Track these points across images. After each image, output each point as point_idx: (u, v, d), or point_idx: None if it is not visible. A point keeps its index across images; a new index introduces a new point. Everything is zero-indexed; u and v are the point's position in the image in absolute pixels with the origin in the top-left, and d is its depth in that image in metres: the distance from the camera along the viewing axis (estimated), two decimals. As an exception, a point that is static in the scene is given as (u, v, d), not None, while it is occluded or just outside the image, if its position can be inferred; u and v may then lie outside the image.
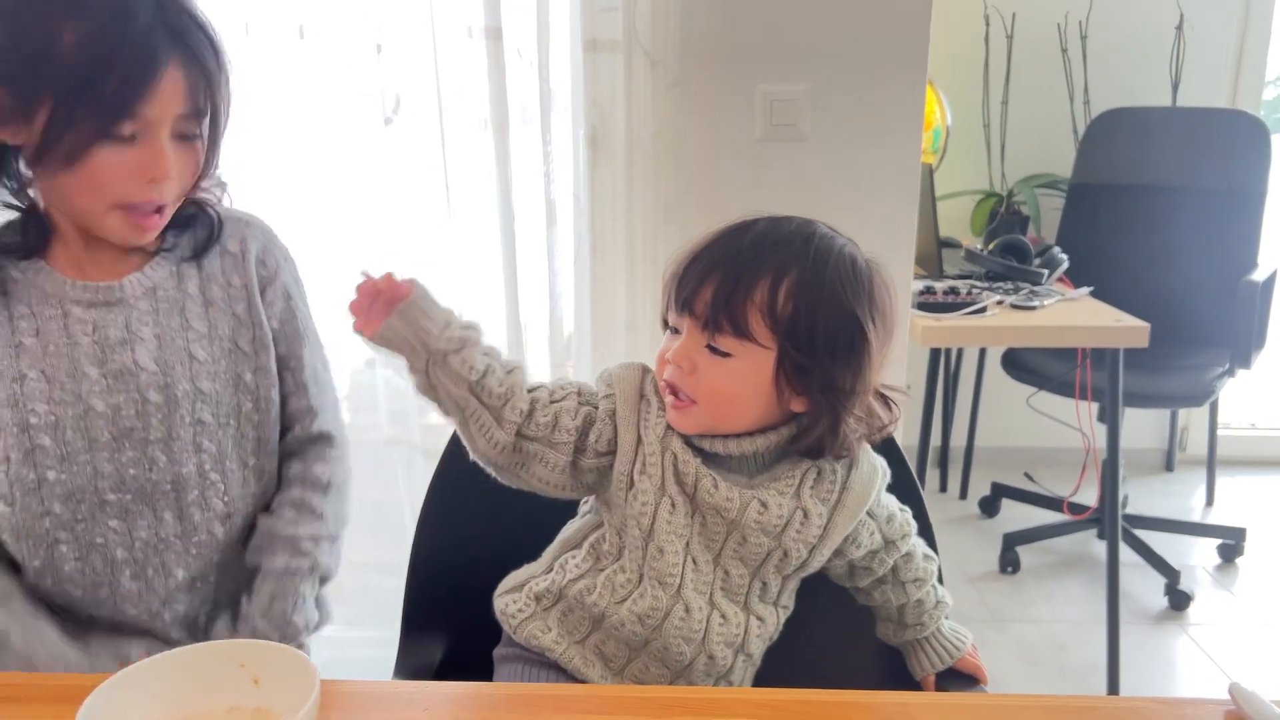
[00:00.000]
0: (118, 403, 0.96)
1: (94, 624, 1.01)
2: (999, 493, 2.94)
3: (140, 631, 1.01)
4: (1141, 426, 3.24)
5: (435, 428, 1.95)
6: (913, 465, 1.10)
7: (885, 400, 0.94)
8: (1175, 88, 2.98)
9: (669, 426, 0.90)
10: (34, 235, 0.96)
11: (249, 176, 1.74)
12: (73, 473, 0.95)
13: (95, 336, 0.95)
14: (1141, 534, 2.59)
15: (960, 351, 3.02)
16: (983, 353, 3.04)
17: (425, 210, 1.78)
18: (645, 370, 0.95)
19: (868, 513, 0.94)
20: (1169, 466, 3.30)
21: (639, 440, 0.89)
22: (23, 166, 0.93)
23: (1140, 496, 3.02)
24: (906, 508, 1.01)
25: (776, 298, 0.85)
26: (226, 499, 1.02)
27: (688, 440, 0.90)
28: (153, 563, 0.99)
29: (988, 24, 2.98)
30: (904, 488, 1.03)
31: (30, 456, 0.94)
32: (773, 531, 0.89)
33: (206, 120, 0.94)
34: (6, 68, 0.86)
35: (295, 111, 1.72)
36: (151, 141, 0.90)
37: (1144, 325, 1.90)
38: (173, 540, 0.99)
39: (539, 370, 1.87)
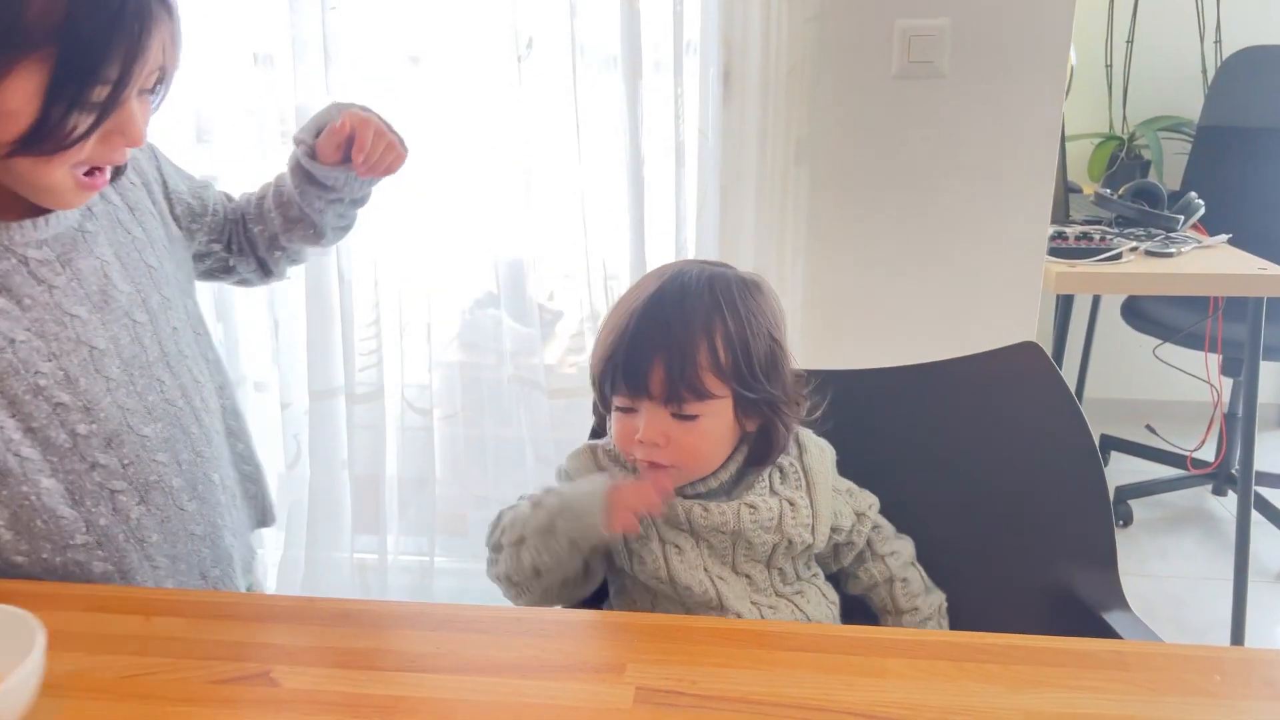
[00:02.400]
0: (115, 334, 0.90)
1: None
2: (1106, 445, 2.87)
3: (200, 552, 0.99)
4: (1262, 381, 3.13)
5: (555, 369, 1.97)
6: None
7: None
8: (1317, 25, 2.82)
9: None
10: None
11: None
12: (102, 420, 0.89)
13: (67, 274, 0.88)
14: (1262, 490, 2.51)
15: (1071, 300, 2.94)
16: (1096, 302, 2.96)
17: (556, 149, 1.77)
18: (590, 450, 1.01)
19: (833, 488, 1.01)
20: (1289, 423, 3.18)
21: None
22: None
23: (1260, 453, 2.92)
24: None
25: (717, 353, 0.91)
26: (212, 389, 1.02)
27: None
28: (200, 478, 0.97)
29: (1115, -43, 2.84)
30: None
31: (54, 417, 0.87)
32: (770, 526, 0.95)
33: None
34: None
35: (429, 50, 1.72)
36: (123, 105, 0.83)
37: (1290, 274, 1.82)
38: (203, 448, 0.97)
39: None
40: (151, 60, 0.81)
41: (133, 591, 0.88)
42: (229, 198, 1.12)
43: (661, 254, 1.83)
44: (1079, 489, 1.03)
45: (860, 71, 1.74)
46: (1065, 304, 2.94)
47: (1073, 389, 3.07)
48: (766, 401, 0.93)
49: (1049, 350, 2.59)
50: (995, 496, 1.08)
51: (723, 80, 1.71)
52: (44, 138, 0.79)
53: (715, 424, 0.92)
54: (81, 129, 0.80)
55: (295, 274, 1.84)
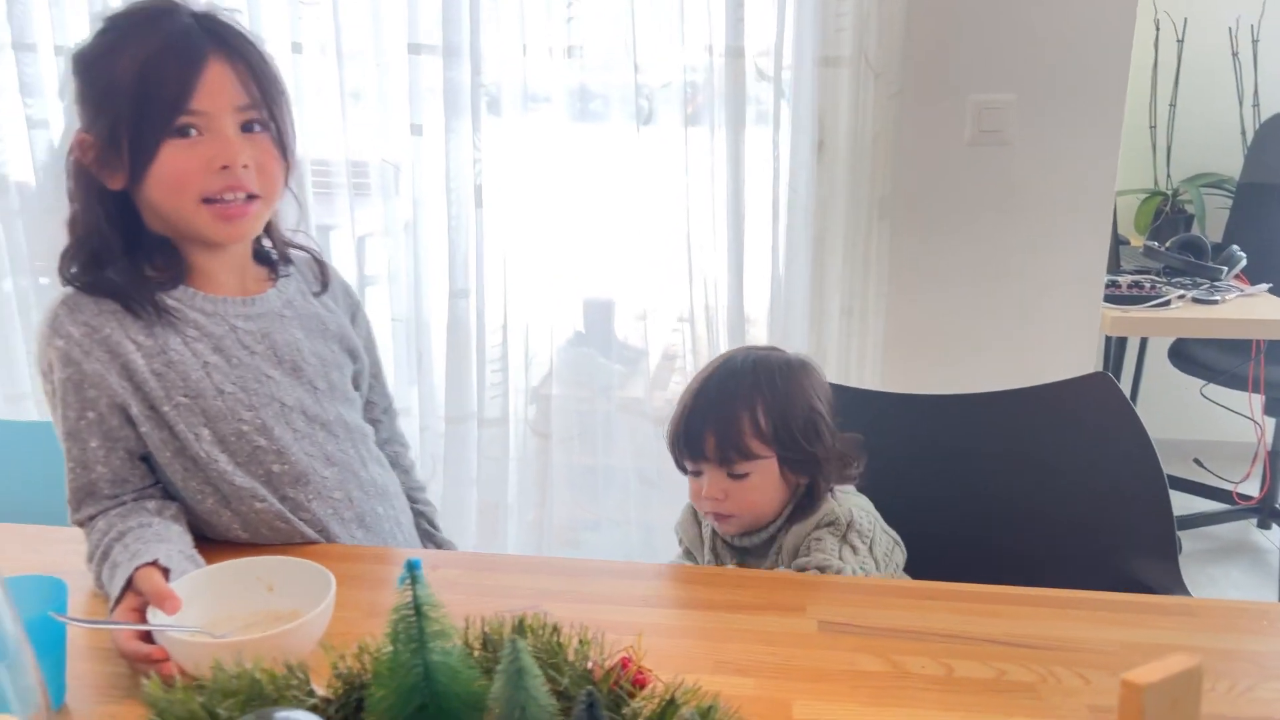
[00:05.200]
0: (300, 396, 1.07)
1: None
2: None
3: None
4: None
5: (659, 398, 2.20)
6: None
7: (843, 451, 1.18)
8: (1349, 90, 3.03)
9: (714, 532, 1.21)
10: (171, 263, 1.03)
11: (520, 176, 2.03)
12: (292, 463, 1.05)
13: (266, 343, 1.06)
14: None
15: (1123, 343, 3.13)
16: (1144, 345, 3.15)
17: (667, 206, 2.02)
18: (689, 507, 1.26)
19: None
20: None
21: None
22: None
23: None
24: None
25: (758, 422, 1.12)
26: (375, 442, 1.21)
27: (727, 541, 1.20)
28: (368, 512, 1.12)
29: (1158, 28, 3.07)
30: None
31: (254, 457, 1.03)
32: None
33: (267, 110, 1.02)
34: (93, 114, 0.99)
35: (562, 119, 1.99)
36: (216, 133, 0.97)
37: (1328, 320, 2.02)
38: (369, 488, 1.14)
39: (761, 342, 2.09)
40: (219, 91, 0.97)
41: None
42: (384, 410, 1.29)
43: (760, 296, 2.07)
44: (1143, 500, 1.24)
45: (936, 139, 1.98)
46: (1116, 347, 3.13)
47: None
48: (808, 460, 1.14)
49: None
50: (1066, 505, 1.28)
51: (816, 147, 1.96)
52: (142, 161, 0.96)
53: (765, 480, 1.13)
54: (164, 151, 0.96)
55: (437, 312, 2.11)
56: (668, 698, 0.59)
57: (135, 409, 0.99)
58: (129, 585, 0.85)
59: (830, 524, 1.13)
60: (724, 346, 2.09)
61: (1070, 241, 2.01)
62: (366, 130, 2.06)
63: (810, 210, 1.99)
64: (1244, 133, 3.07)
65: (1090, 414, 1.28)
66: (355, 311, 1.21)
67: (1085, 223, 2.00)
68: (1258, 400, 2.62)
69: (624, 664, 0.63)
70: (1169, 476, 3.09)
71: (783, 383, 1.15)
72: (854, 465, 1.18)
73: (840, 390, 1.40)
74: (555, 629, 0.64)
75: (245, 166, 0.99)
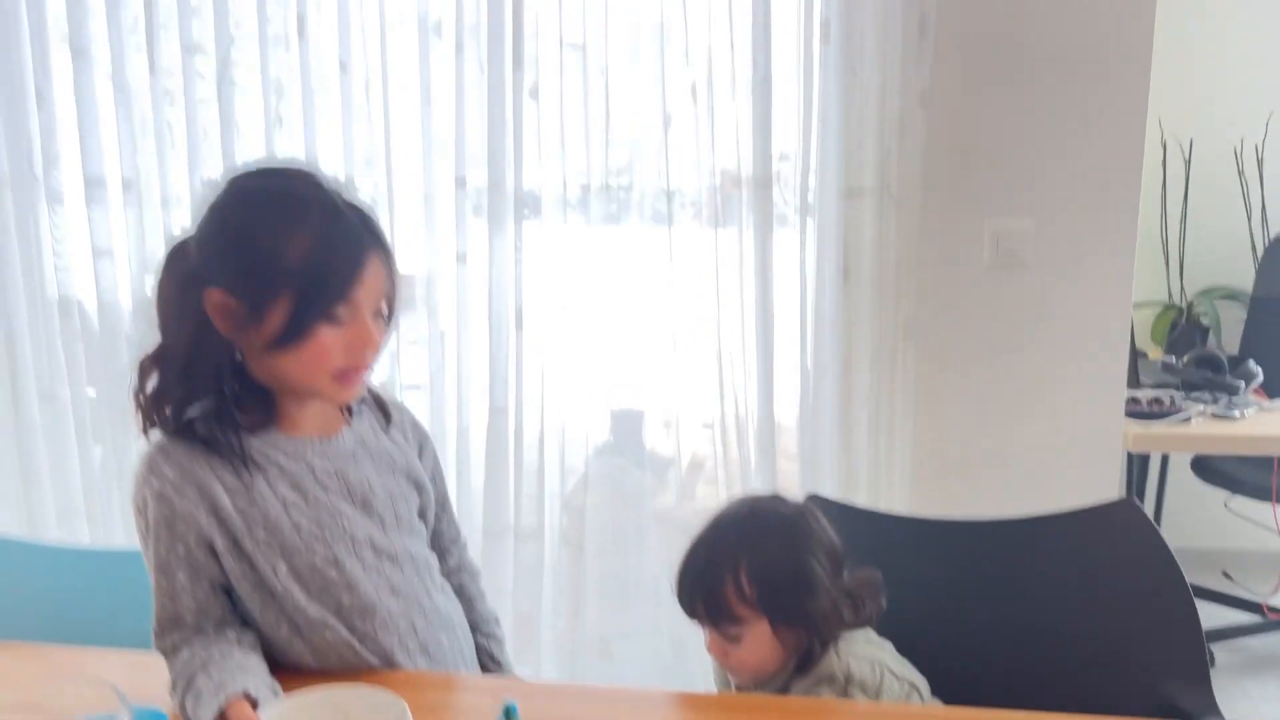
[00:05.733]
0: (370, 531, 1.14)
1: None
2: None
3: None
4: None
5: (689, 509, 2.25)
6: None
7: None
8: (1355, 207, 3.13)
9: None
10: (264, 410, 1.11)
11: (557, 287, 2.13)
12: (361, 594, 1.11)
13: (340, 480, 1.13)
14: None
15: (1146, 456, 3.16)
16: (1165, 457, 3.18)
17: (697, 312, 2.13)
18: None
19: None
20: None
21: None
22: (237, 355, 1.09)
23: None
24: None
25: (741, 587, 1.13)
26: (440, 573, 1.26)
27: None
28: (431, 641, 1.18)
29: (1165, 149, 3.19)
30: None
31: (325, 589, 1.10)
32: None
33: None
34: (245, 281, 1.04)
35: (595, 223, 2.11)
36: (360, 320, 1.07)
37: (1348, 436, 2.06)
38: (433, 618, 1.19)
39: (793, 476, 2.16)
40: (373, 285, 1.07)
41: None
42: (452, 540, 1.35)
43: (789, 410, 2.14)
44: (1173, 624, 1.27)
45: (957, 263, 2.07)
46: (1139, 458, 3.16)
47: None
48: (802, 618, 1.13)
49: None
50: (1096, 632, 1.30)
51: (842, 271, 2.05)
52: (295, 340, 1.05)
53: (758, 642, 1.14)
54: (320, 333, 1.05)
55: (477, 424, 2.19)
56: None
57: (220, 544, 1.06)
58: (221, 717, 0.90)
59: (829, 681, 1.13)
60: (753, 455, 2.15)
61: (1090, 360, 2.08)
62: (414, 251, 2.17)
63: (838, 330, 2.07)
64: (1254, 246, 3.16)
65: (1117, 540, 1.32)
66: (423, 445, 1.27)
67: (1104, 342, 2.07)
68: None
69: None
70: (1198, 588, 3.09)
71: (772, 542, 1.15)
72: (867, 607, 1.17)
73: (867, 517, 1.46)
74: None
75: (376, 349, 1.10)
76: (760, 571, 1.13)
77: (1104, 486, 2.11)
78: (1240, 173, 3.18)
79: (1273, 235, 3.09)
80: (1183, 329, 3.15)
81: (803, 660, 1.15)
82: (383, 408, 1.23)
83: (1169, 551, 1.30)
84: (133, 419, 1.09)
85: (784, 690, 1.18)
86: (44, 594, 1.45)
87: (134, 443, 2.23)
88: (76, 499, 2.30)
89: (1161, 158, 3.20)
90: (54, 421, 2.29)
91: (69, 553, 1.60)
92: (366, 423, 1.21)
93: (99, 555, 1.56)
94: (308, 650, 1.09)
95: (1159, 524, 3.18)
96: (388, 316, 1.13)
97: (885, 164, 1.98)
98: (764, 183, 2.03)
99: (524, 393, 2.17)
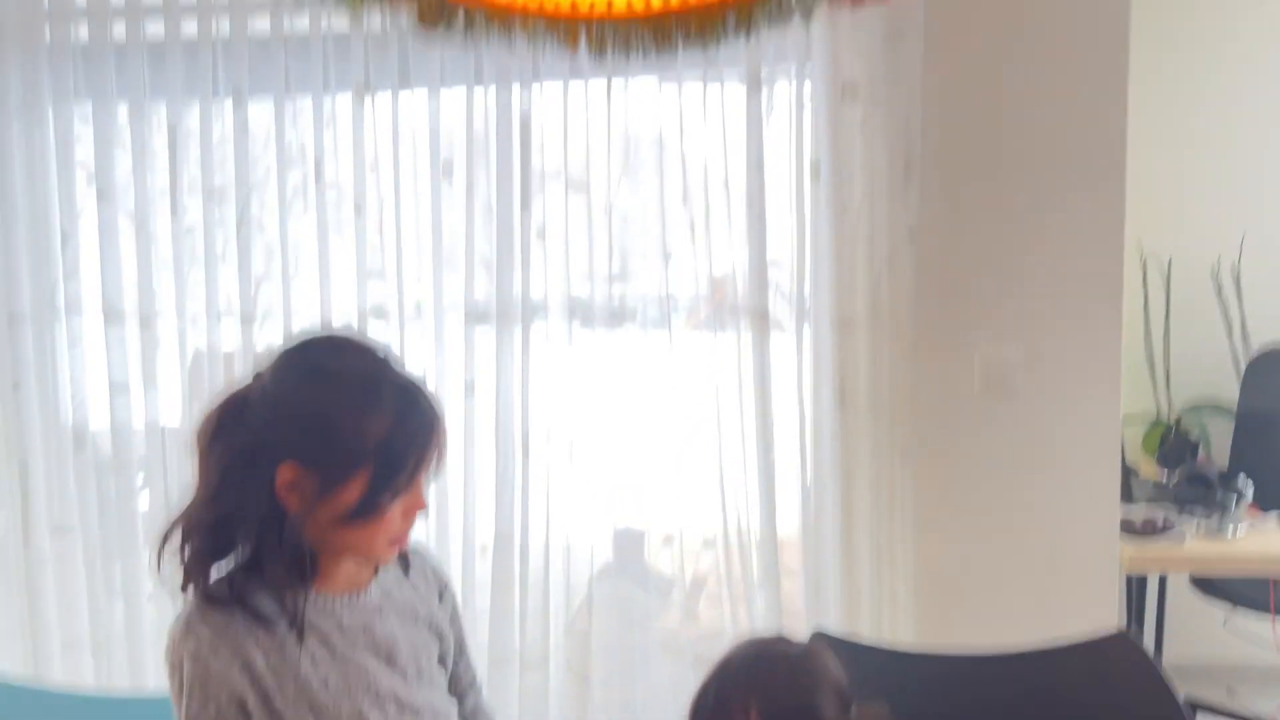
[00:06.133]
0: (393, 683, 1.16)
1: None
2: (1193, 706, 3.02)
3: None
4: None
5: (693, 631, 2.27)
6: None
7: None
8: (1332, 322, 3.23)
9: None
10: (301, 569, 1.11)
11: (574, 398, 2.19)
12: None
13: (366, 635, 1.16)
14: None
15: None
16: (1163, 576, 3.20)
17: (697, 427, 2.19)
18: None
19: None
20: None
21: None
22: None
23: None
24: None
25: None
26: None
27: None
28: None
29: (1145, 268, 3.31)
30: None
31: None
32: None
33: None
34: (322, 460, 1.07)
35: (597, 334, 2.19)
36: (417, 489, 1.12)
37: (1341, 555, 2.10)
38: None
39: (797, 594, 2.19)
40: (435, 458, 1.13)
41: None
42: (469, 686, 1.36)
43: (791, 526, 2.17)
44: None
45: (949, 390, 2.14)
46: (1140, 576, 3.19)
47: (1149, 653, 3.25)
48: None
49: (1122, 616, 2.82)
50: None
51: (839, 396, 2.12)
52: (368, 515, 1.09)
53: None
54: (390, 505, 1.10)
55: (483, 548, 2.22)
56: None
57: (252, 702, 1.08)
58: None
59: None
60: (756, 573, 2.18)
61: (1083, 483, 2.13)
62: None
63: (836, 451, 2.13)
64: (1236, 361, 3.25)
65: (1116, 674, 1.35)
66: (443, 590, 1.31)
67: (1095, 464, 2.13)
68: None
69: None
70: (1202, 704, 3.09)
71: (780, 684, 1.17)
72: None
73: (871, 653, 1.49)
74: None
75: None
76: (770, 713, 1.16)
77: (1103, 606, 2.13)
78: (1218, 290, 3.29)
79: (1254, 350, 3.18)
80: (1173, 443, 3.20)
81: None
82: (403, 554, 1.26)
83: (1165, 684, 1.33)
84: (157, 570, 1.10)
85: None
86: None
87: (143, 574, 2.27)
88: (82, 631, 2.31)
89: (1142, 277, 3.32)
90: (64, 554, 2.31)
91: (74, 699, 1.61)
92: (392, 572, 1.24)
93: (104, 703, 1.57)
94: None
95: (1161, 641, 3.19)
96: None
97: (877, 295, 2.07)
98: (761, 312, 2.12)
99: (530, 518, 2.21)
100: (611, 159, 2.16)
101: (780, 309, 2.15)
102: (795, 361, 2.14)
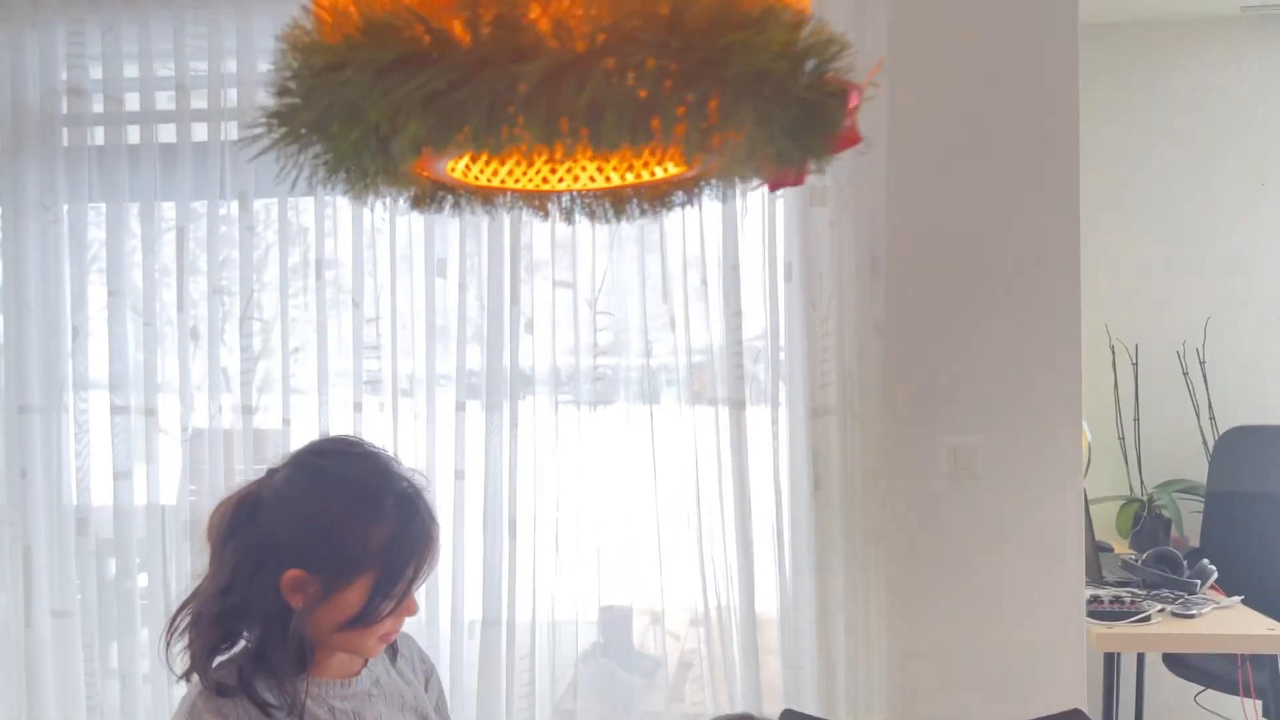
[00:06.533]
0: None
1: None
2: (1173, 786, 3.06)
3: None
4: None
5: (677, 711, 2.33)
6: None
7: None
8: (1295, 404, 3.35)
9: None
10: (300, 659, 1.18)
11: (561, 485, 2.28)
12: None
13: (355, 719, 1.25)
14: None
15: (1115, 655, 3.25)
16: (1141, 658, 3.26)
17: (678, 507, 2.28)
18: None
19: None
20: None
21: None
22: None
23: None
24: None
25: None
26: None
27: None
28: None
29: (1114, 353, 3.44)
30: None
31: None
32: None
33: None
34: (326, 566, 1.15)
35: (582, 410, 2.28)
36: (411, 592, 1.20)
37: (1304, 636, 2.19)
38: None
39: (778, 674, 2.26)
40: (432, 565, 1.21)
41: None
42: None
43: (770, 607, 2.25)
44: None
45: (916, 474, 2.23)
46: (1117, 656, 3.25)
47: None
48: None
49: (1100, 700, 2.87)
50: None
51: (812, 481, 2.22)
52: (367, 621, 1.16)
53: None
54: (388, 611, 1.17)
55: (472, 629, 2.29)
56: None
57: None
58: None
59: None
60: (737, 651, 2.25)
61: (1049, 564, 2.22)
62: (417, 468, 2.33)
63: (810, 535, 2.22)
64: (1205, 442, 3.36)
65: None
66: (429, 677, 1.39)
67: (1060, 547, 2.22)
68: (1254, 705, 2.71)
69: None
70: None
71: None
72: None
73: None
74: None
75: None
76: None
77: (1073, 685, 2.20)
78: (1185, 374, 3.41)
79: (1221, 430, 3.29)
80: (1145, 521, 3.29)
81: None
82: (391, 644, 1.34)
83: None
84: (164, 655, 1.19)
85: None
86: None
87: (139, 654, 2.33)
88: (79, 713, 2.36)
89: (1111, 361, 3.45)
90: (63, 636, 2.38)
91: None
92: (380, 661, 1.32)
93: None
94: None
95: (1139, 718, 3.24)
96: None
97: (846, 386, 2.19)
98: (738, 402, 2.23)
99: (516, 598, 2.28)
100: (596, 258, 2.29)
101: (756, 399, 2.25)
102: (771, 449, 2.24)
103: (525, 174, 0.66)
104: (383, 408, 2.32)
